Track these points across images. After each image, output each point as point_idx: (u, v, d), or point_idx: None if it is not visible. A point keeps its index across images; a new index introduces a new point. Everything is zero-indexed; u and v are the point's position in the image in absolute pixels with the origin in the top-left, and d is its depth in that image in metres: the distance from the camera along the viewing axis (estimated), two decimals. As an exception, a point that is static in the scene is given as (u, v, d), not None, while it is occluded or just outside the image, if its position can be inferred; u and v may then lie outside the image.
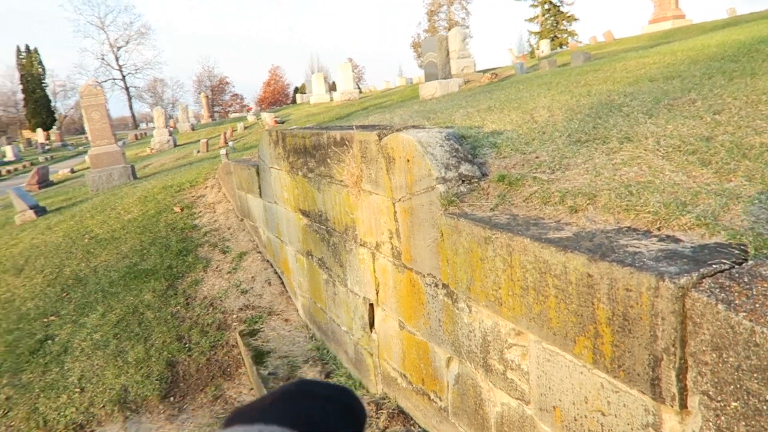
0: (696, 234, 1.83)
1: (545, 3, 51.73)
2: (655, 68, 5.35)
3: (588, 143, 2.93)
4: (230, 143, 18.30)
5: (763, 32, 6.54)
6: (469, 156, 2.91)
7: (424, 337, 3.04)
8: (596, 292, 1.73)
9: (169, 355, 4.94)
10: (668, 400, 1.52)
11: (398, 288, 3.25)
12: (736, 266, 1.51)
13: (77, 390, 4.66)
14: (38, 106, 70.58)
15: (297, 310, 5.43)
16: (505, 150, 3.08)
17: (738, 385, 1.32)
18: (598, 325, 1.74)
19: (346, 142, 3.63)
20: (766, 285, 1.37)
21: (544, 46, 36.66)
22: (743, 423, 1.31)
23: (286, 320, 5.29)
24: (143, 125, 77.94)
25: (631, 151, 2.67)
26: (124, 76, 72.16)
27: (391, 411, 3.42)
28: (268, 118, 23.64)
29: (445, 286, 2.72)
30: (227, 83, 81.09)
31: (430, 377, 3.04)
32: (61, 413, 4.42)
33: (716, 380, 1.38)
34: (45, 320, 5.82)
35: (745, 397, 1.30)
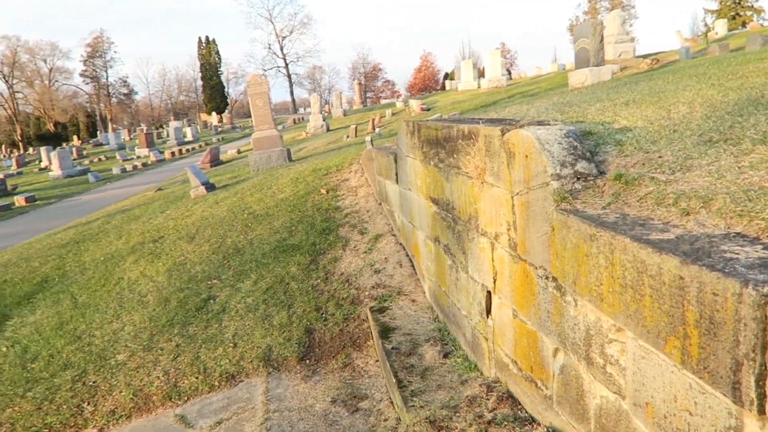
0: (807, 244, 1.78)
1: (727, -23, 46.49)
2: (832, 57, 4.80)
3: (718, 143, 2.83)
4: (377, 129, 19.06)
5: None
6: (588, 154, 2.95)
7: (534, 326, 3.16)
8: (686, 294, 1.77)
9: (308, 323, 5.50)
10: (747, 404, 1.56)
11: (513, 278, 3.38)
12: (832, 279, 1.49)
13: (231, 345, 5.39)
14: (214, 92, 78.52)
15: (423, 292, 5.73)
16: (628, 148, 3.06)
17: (810, 395, 1.34)
18: (687, 327, 1.79)
19: (473, 136, 3.80)
20: None
21: (720, 27, 33.12)
22: (813, 432, 1.33)
23: (413, 301, 5.61)
24: (302, 110, 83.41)
25: (762, 154, 2.55)
26: (287, 64, 77.53)
27: (500, 394, 3.58)
28: (414, 105, 24.19)
29: (554, 279, 2.82)
30: (380, 69, 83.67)
31: (538, 366, 3.15)
32: (218, 363, 5.17)
33: (791, 388, 1.40)
34: (209, 283, 6.74)
35: (816, 407, 1.32)
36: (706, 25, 46.03)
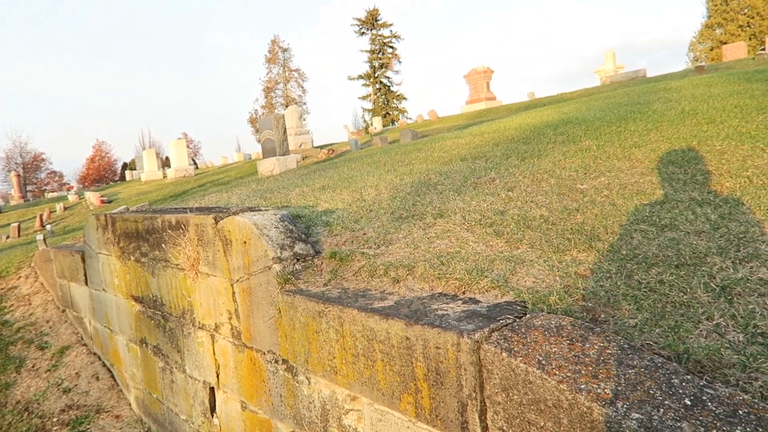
0: (491, 295, 2.18)
1: (376, 83, 55.57)
2: (466, 149, 6.12)
3: (408, 219, 3.30)
4: (48, 226, 16.66)
5: (550, 117, 7.79)
6: (303, 235, 3.12)
7: (266, 414, 3.08)
8: (414, 352, 1.97)
9: (-26, 474, 4.30)
10: (475, 440, 1.78)
11: (239, 368, 3.27)
12: (518, 320, 1.85)
13: None
14: None
15: (130, 404, 5.06)
16: (336, 228, 3.34)
17: (522, 418, 1.61)
18: (417, 382, 1.98)
19: (182, 226, 3.65)
20: (536, 333, 1.71)
21: (377, 123, 39.06)
22: (529, 450, 1.60)
23: (117, 417, 4.90)
24: (-64, 208, 67.91)
25: (443, 226, 3.07)
26: None
27: (236, 497, 3.34)
28: (93, 197, 22.03)
29: (284, 361, 2.83)
30: (43, 160, 74.09)
31: (275, 455, 3.06)
32: None
33: (507, 416, 1.66)
34: None
35: (528, 427, 1.59)
36: (365, 121, 53.93)
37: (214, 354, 3.53)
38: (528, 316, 1.87)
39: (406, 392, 2.05)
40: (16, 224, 17.84)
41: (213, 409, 3.66)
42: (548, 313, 1.88)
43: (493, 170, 4.30)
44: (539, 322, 1.78)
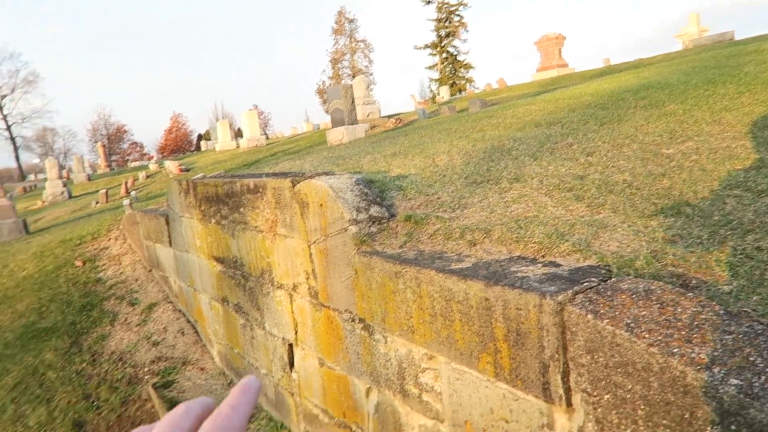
0: (573, 259, 2.15)
1: (443, 52, 54.54)
2: (540, 115, 5.95)
3: (483, 184, 3.27)
4: (132, 193, 17.65)
5: (629, 82, 7.42)
6: (378, 199, 3.16)
7: (343, 371, 3.18)
8: (493, 312, 1.98)
9: (76, 416, 4.70)
10: (557, 401, 1.78)
11: (316, 326, 3.38)
12: (602, 283, 1.81)
13: (-29, 462, 4.33)
14: None
15: (213, 358, 5.37)
16: (410, 192, 3.36)
17: (608, 381, 1.59)
18: (497, 342, 1.99)
19: (260, 190, 3.77)
20: (623, 296, 1.68)
21: (444, 92, 38.50)
22: (614, 411, 1.58)
23: (202, 369, 5.21)
24: (31, 177, 73.00)
25: (519, 190, 3.02)
26: (9, 126, 67.51)
27: (314, 448, 3.50)
28: (172, 166, 23.05)
29: (361, 320, 2.90)
30: (125, 131, 78.04)
31: (351, 409, 3.17)
32: (-46, 489, 4.09)
33: (592, 378, 1.65)
34: (-71, 390, 5.35)
35: (614, 390, 1.57)
36: (432, 90, 53.22)
37: (292, 312, 3.66)
38: (613, 279, 1.83)
39: (485, 352, 2.06)
40: (104, 191, 19.00)
41: (291, 364, 3.82)
42: (635, 277, 1.83)
43: (570, 135, 4.17)
44: (626, 286, 1.74)
